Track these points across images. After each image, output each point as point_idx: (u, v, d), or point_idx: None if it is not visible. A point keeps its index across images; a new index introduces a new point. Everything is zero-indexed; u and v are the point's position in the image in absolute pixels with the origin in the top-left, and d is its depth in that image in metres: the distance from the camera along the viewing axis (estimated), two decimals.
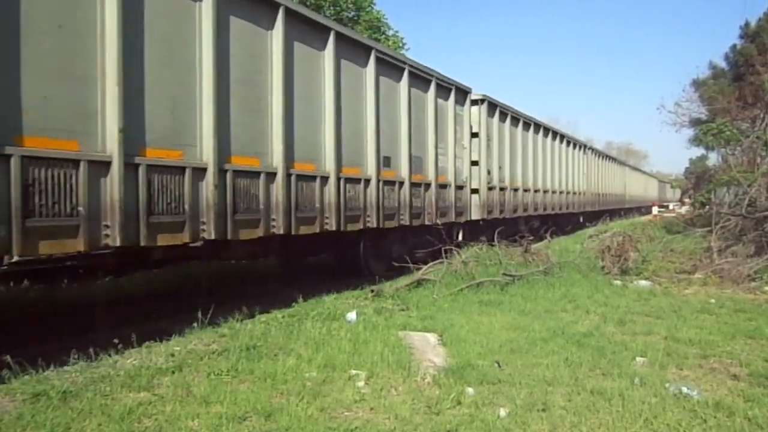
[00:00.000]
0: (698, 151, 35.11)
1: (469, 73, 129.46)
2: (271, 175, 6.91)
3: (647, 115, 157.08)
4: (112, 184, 5.07)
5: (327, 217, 7.88)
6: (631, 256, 10.22)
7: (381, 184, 9.19)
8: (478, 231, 12.85)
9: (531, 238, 11.63)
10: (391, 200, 9.51)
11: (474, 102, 13.40)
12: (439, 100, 11.38)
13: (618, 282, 9.06)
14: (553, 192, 19.36)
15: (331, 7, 22.75)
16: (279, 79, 7.02)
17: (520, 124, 16.44)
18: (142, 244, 5.36)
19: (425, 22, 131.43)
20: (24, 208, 4.42)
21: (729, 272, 9.36)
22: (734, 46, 26.23)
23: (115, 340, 4.96)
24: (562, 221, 21.17)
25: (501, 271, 8.92)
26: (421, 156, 10.66)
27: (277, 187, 6.96)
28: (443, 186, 11.43)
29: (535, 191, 17.44)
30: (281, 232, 6.97)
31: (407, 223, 9.94)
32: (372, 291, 7.68)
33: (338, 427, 3.50)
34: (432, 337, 5.45)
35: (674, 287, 8.87)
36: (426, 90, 10.95)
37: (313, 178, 7.65)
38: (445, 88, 11.66)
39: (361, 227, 8.68)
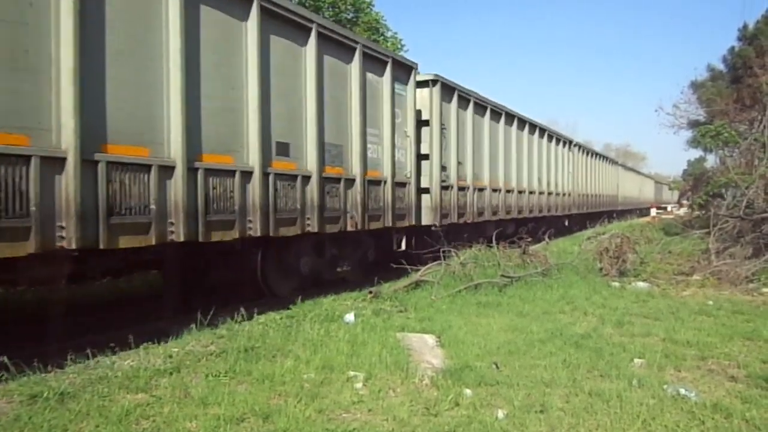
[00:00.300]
0: (696, 153, 35.12)
1: (468, 75, 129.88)
2: (56, 162, 4.65)
3: (646, 117, 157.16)
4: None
5: (172, 223, 5.65)
6: (629, 257, 10.26)
7: (272, 178, 6.98)
8: (432, 238, 10.75)
9: (529, 239, 11.63)
10: (289, 200, 7.29)
11: (423, 83, 11.04)
12: (369, 75, 9.06)
13: (616, 283, 9.07)
14: (531, 193, 16.95)
15: (330, 9, 22.79)
16: (68, 26, 4.70)
17: (488, 113, 13.86)
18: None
19: (424, 23, 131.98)
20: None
21: (727, 274, 9.38)
22: (732, 48, 26.26)
23: (112, 344, 4.96)
24: (544, 225, 18.50)
25: (499, 272, 8.93)
26: (342, 144, 8.42)
27: (67, 181, 4.69)
28: (375, 182, 9.12)
29: (508, 192, 15.06)
30: (73, 246, 4.72)
31: (315, 230, 7.69)
32: (370, 292, 7.70)
33: (336, 429, 3.50)
34: (430, 339, 5.45)
35: (672, 289, 8.89)
36: (348, 61, 8.55)
37: (145, 167, 5.41)
38: (377, 60, 9.27)
39: (237, 236, 6.45)
